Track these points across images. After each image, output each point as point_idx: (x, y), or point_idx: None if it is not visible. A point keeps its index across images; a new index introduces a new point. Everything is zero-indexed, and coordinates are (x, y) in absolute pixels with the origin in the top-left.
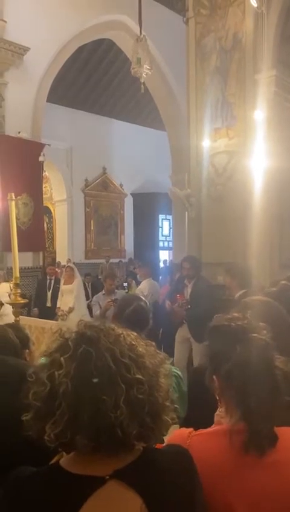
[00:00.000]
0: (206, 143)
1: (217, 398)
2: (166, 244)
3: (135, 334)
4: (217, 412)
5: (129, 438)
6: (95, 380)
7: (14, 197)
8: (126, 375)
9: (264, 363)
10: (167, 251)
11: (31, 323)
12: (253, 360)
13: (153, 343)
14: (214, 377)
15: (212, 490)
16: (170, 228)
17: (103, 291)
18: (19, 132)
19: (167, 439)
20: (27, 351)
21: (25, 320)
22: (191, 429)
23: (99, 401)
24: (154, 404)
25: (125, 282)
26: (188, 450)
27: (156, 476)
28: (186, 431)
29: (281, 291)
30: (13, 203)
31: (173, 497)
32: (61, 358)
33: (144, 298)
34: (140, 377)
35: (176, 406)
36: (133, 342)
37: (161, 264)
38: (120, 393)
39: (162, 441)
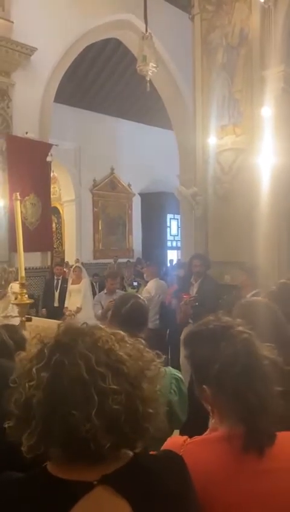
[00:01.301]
0: (212, 140)
1: (210, 408)
2: (174, 243)
3: (122, 333)
4: (211, 423)
5: (102, 451)
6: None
7: (19, 197)
8: (101, 385)
9: (251, 356)
10: (176, 251)
11: (38, 324)
12: (240, 355)
13: (143, 342)
14: (204, 386)
15: (210, 498)
16: (178, 228)
17: (105, 291)
18: (27, 132)
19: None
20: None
21: (34, 321)
22: (185, 437)
23: (69, 414)
24: (133, 414)
25: (135, 282)
26: (182, 457)
27: (146, 482)
28: (181, 439)
29: (280, 291)
30: (18, 203)
31: (164, 503)
32: (34, 369)
33: (146, 298)
34: (115, 387)
35: (167, 408)
36: (112, 346)
37: (168, 264)
38: (92, 405)
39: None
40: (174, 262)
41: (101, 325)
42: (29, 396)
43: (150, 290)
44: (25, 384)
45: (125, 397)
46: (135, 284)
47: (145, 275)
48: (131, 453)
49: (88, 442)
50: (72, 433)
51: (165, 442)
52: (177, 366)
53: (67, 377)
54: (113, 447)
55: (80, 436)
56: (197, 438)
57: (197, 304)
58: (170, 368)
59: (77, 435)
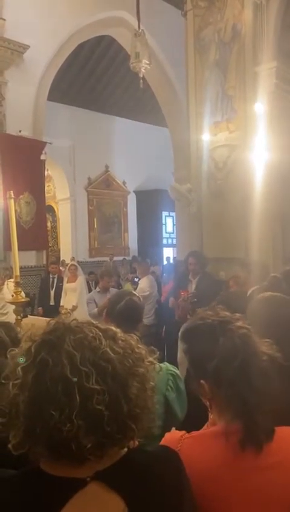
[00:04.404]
0: (206, 137)
1: (208, 404)
2: (170, 241)
3: (114, 330)
4: (210, 417)
5: (84, 451)
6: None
7: (13, 196)
8: (84, 385)
9: (249, 352)
10: (171, 248)
11: (34, 322)
12: (239, 350)
13: (135, 337)
14: (202, 381)
15: (206, 494)
16: (174, 225)
17: (98, 289)
18: (20, 131)
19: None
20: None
21: (28, 319)
22: (183, 432)
23: (50, 414)
24: (117, 413)
25: (137, 278)
26: (177, 452)
27: (139, 478)
28: (178, 434)
29: (271, 284)
30: (12, 201)
31: (158, 499)
32: (19, 368)
33: (143, 296)
34: (98, 387)
35: (164, 405)
36: (100, 344)
37: (164, 262)
38: (74, 406)
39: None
40: (171, 260)
41: (93, 322)
42: (14, 395)
43: (144, 288)
44: (10, 383)
45: (110, 397)
46: (137, 280)
47: (137, 272)
48: (125, 449)
49: (69, 442)
50: (54, 433)
51: (163, 438)
52: (174, 363)
53: (50, 376)
54: (96, 447)
55: (61, 436)
56: (194, 433)
57: (195, 300)
58: (167, 364)
59: (58, 435)
